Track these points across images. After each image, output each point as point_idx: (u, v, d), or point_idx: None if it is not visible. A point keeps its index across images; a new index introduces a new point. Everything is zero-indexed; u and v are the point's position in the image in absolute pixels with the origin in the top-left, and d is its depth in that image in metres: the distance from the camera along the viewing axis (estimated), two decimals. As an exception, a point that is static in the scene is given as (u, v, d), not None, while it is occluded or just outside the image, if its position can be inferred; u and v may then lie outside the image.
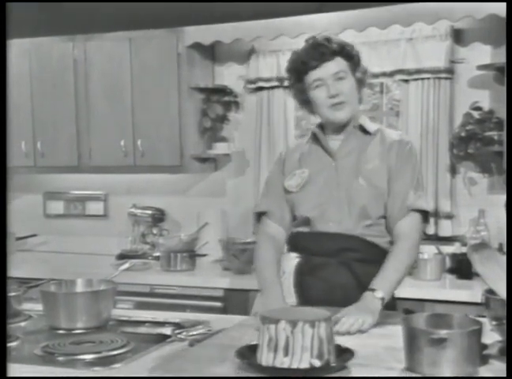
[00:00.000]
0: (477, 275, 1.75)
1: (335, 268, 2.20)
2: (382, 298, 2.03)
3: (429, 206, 2.30)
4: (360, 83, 2.27)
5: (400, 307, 2.23)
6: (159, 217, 4.20)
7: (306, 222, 2.27)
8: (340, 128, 2.27)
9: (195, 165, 3.99)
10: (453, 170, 3.68)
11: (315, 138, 2.33)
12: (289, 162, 2.36)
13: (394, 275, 2.12)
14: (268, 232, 2.35)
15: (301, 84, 2.24)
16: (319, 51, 2.18)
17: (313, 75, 2.19)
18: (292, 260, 2.28)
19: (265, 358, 1.51)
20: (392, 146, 2.24)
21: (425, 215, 2.24)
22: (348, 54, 2.22)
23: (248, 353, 1.57)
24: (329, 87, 2.17)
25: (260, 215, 2.41)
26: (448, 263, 3.45)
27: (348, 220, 2.20)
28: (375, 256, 2.19)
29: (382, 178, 2.21)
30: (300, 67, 2.22)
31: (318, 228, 2.24)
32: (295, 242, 2.32)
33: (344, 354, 1.57)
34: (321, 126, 2.33)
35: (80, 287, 2.22)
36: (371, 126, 2.29)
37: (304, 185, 2.27)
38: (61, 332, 2.03)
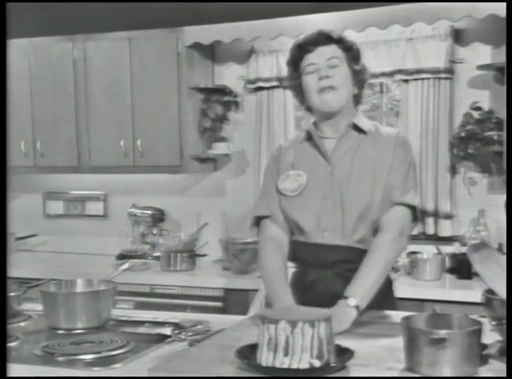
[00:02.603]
0: (477, 275, 1.74)
1: (331, 280, 2.13)
2: (357, 306, 1.92)
3: (416, 201, 2.17)
4: (357, 77, 2.21)
5: (401, 307, 2.21)
6: (159, 217, 4.20)
7: (300, 230, 2.19)
8: (333, 125, 2.20)
9: (195, 165, 3.99)
10: (453, 171, 3.68)
11: (310, 137, 2.25)
12: (283, 161, 2.27)
13: (369, 278, 2.00)
14: (272, 236, 2.23)
15: (297, 72, 2.21)
16: (315, 36, 2.18)
17: (307, 59, 2.17)
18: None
19: (265, 358, 1.51)
20: (388, 143, 2.17)
21: (413, 211, 2.14)
22: (347, 46, 2.19)
23: (248, 353, 1.57)
24: (320, 71, 2.14)
25: (259, 219, 2.28)
26: (448, 263, 3.45)
27: (343, 230, 2.12)
28: None
29: (379, 180, 2.13)
30: (297, 53, 2.20)
31: (312, 238, 2.15)
32: (289, 251, 2.23)
33: (343, 354, 1.56)
34: (316, 124, 2.27)
35: (80, 287, 2.22)
36: (366, 125, 2.21)
37: (302, 191, 2.18)
38: (61, 332, 2.03)
